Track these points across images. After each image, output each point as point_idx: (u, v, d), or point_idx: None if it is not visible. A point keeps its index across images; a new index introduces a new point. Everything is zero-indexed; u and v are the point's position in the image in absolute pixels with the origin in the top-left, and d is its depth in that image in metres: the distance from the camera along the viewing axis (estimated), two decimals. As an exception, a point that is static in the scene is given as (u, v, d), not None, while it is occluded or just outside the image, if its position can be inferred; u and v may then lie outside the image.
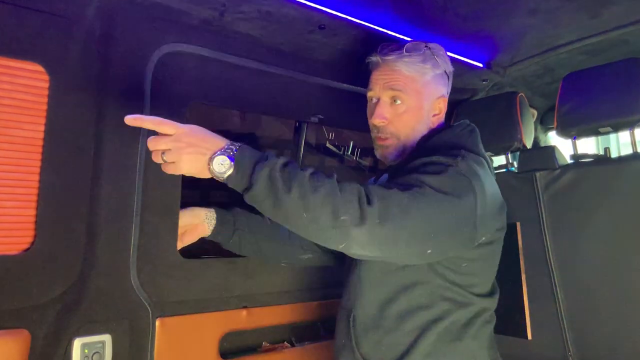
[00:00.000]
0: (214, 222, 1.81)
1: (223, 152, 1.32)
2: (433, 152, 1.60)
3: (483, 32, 2.07)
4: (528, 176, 2.21)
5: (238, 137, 3.22)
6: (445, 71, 1.80)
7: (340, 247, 1.36)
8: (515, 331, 2.10)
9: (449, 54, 2.11)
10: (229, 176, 1.33)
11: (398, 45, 1.75)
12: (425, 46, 1.75)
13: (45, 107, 1.51)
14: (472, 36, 2.09)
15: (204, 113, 3.04)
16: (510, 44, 2.19)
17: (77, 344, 1.56)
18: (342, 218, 1.30)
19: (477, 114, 2.38)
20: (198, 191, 3.05)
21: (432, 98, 1.76)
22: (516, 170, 2.29)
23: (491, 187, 1.61)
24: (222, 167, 1.32)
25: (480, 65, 2.31)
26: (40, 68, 1.49)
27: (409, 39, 1.99)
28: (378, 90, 1.74)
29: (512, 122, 2.24)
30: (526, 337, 2.07)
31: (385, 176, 1.86)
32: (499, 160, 2.42)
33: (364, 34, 1.93)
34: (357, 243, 1.33)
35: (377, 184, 1.43)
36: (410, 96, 1.71)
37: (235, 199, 3.18)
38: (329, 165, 3.55)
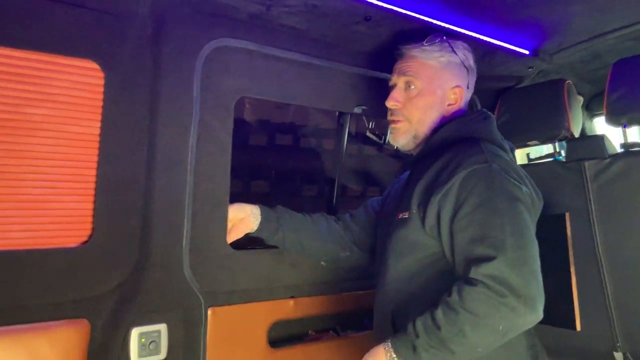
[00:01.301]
0: (259, 218, 1.86)
1: None
2: (448, 145, 1.66)
3: (530, 19, 2.03)
4: (576, 165, 2.17)
5: (280, 127, 3.26)
6: (463, 63, 1.82)
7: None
8: (562, 322, 2.07)
9: (494, 41, 2.08)
10: None
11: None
12: (444, 38, 1.81)
13: (100, 103, 1.55)
14: (518, 23, 2.05)
15: (248, 104, 3.08)
16: (558, 31, 2.14)
17: (135, 333, 1.61)
18: (500, 328, 1.43)
19: (522, 102, 2.34)
20: (240, 181, 3.11)
21: (446, 86, 1.80)
22: (564, 160, 2.25)
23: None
24: None
25: (527, 52, 2.27)
26: (95, 65, 1.53)
27: (454, 27, 1.97)
28: (395, 77, 1.83)
29: (559, 110, 2.20)
30: (574, 328, 2.05)
31: (406, 174, 1.87)
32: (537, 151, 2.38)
33: (408, 24, 1.91)
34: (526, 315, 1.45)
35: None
36: (422, 81, 1.77)
37: (274, 189, 3.22)
38: (367, 154, 3.56)
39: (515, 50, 2.24)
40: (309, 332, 2.15)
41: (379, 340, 1.72)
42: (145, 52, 1.60)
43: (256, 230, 1.85)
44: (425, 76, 1.77)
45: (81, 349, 1.55)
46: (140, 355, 1.61)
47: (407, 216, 1.65)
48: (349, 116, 2.24)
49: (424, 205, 1.60)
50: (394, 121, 1.81)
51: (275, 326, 1.98)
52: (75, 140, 1.53)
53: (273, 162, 3.26)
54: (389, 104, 1.80)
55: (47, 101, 1.47)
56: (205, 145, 1.74)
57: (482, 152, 1.61)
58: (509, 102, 2.35)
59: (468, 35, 2.02)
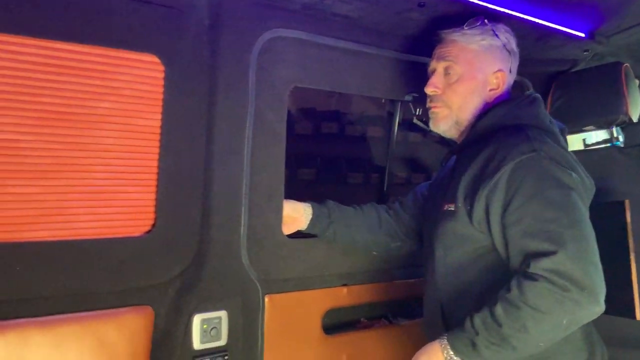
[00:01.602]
0: (310, 215, 1.88)
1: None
2: (493, 132, 1.63)
3: (587, 1, 1.97)
4: (635, 151, 2.12)
5: (325, 114, 3.27)
6: (505, 46, 1.78)
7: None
8: (621, 311, 2.04)
9: (548, 24, 2.02)
10: None
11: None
12: (485, 21, 1.76)
13: (161, 96, 1.58)
14: (574, 5, 2.00)
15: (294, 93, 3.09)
16: (616, 12, 2.07)
17: (197, 319, 1.66)
18: (564, 322, 1.42)
19: (577, 86, 2.28)
20: (286, 168, 3.13)
21: (488, 71, 1.76)
22: (622, 145, 2.19)
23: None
24: None
25: (582, 35, 2.20)
26: (156, 59, 1.56)
27: (509, 11, 1.93)
28: (434, 63, 1.80)
29: (617, 95, 2.13)
30: (634, 317, 2.01)
31: (452, 161, 1.83)
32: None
33: (462, 9, 1.88)
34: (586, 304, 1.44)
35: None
36: (461, 66, 1.74)
37: (320, 176, 3.23)
38: (413, 140, 3.53)
39: (570, 33, 2.18)
40: (361, 319, 2.17)
41: (429, 330, 1.73)
42: (203, 45, 1.62)
43: (307, 227, 1.89)
44: (465, 61, 1.74)
45: (146, 335, 1.60)
46: (202, 341, 1.66)
47: (453, 209, 1.63)
48: (400, 104, 2.23)
49: (470, 199, 1.58)
50: (433, 107, 1.79)
51: (328, 313, 2.01)
52: (138, 132, 1.57)
53: (319, 150, 3.28)
54: (428, 90, 1.78)
55: (112, 95, 1.51)
56: (260, 136, 1.76)
57: (528, 140, 1.57)
58: (564, 86, 2.30)
59: (522, 18, 1.98)
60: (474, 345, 1.46)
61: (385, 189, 2.30)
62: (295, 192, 1.94)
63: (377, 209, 2.01)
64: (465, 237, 1.62)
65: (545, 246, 1.44)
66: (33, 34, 1.35)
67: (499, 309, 1.44)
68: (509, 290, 1.45)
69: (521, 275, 1.46)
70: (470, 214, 1.58)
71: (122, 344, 1.55)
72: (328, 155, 3.31)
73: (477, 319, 1.47)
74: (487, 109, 1.74)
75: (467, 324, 1.48)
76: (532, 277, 1.43)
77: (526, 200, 1.50)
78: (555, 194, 1.49)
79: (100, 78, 1.48)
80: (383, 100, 2.54)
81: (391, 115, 2.33)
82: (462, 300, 1.64)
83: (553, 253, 1.42)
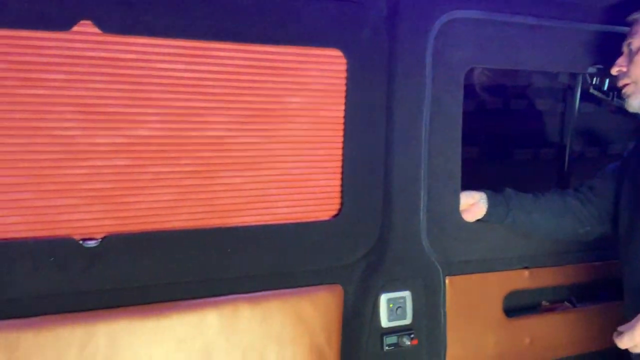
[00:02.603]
0: (486, 204, 1.86)
1: None
2: None
3: None
4: None
5: (488, 89, 3.17)
6: None
7: None
8: None
9: None
10: None
11: None
12: None
13: (344, 88, 1.67)
14: None
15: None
16: None
17: (384, 299, 1.75)
18: None
19: None
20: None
21: None
22: None
23: None
24: None
25: None
26: (339, 53, 1.64)
27: None
28: (625, 45, 1.78)
29: None
30: None
31: None
32: None
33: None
34: None
35: None
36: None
37: (484, 154, 3.14)
38: (584, 111, 3.30)
39: None
40: (542, 302, 2.11)
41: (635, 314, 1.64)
42: (382, 34, 1.67)
43: (484, 216, 1.87)
44: None
45: (337, 312, 1.73)
46: (389, 320, 1.75)
47: None
48: (582, 77, 2.10)
49: None
50: (621, 86, 1.76)
51: (508, 296, 1.99)
52: (325, 123, 1.67)
53: (482, 127, 3.20)
54: (613, 71, 1.79)
55: (302, 90, 1.62)
56: (437, 120, 1.78)
57: None
58: None
59: None
60: None
61: (565, 167, 2.19)
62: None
63: (560, 195, 1.94)
64: None
65: None
66: (236, 39, 1.50)
67: None
68: None
69: None
70: None
71: (317, 319, 1.69)
72: (492, 132, 3.22)
73: None
74: None
75: None
76: None
77: None
78: None
79: (292, 75, 1.60)
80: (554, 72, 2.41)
81: (566, 87, 2.21)
82: None
83: None
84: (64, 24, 1.31)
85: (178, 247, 1.51)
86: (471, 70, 2.81)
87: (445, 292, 1.83)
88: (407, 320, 1.78)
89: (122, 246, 1.43)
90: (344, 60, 1.65)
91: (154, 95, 1.44)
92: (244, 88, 1.55)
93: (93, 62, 1.36)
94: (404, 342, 1.76)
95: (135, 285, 1.49)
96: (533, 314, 2.04)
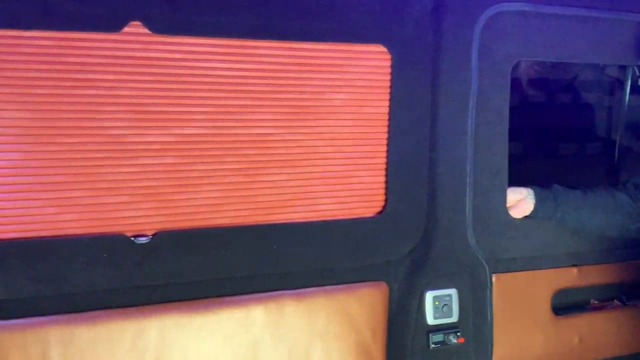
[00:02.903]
0: (533, 199, 1.82)
1: None
2: None
3: None
4: None
5: (531, 82, 3.10)
6: None
7: None
8: None
9: None
10: None
11: None
12: None
13: (388, 84, 1.65)
14: None
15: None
16: None
17: (429, 296, 1.73)
18: None
19: None
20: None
21: None
22: None
23: None
24: None
25: None
26: (383, 49, 1.62)
27: None
28: None
29: None
30: None
31: None
32: None
33: None
34: None
35: None
36: None
37: (528, 149, 3.07)
38: (634, 105, 3.19)
39: None
40: (591, 300, 2.06)
41: None
42: (426, 29, 1.65)
43: (531, 212, 1.83)
44: None
45: (383, 308, 1.73)
46: (435, 317, 1.74)
47: None
48: (632, 69, 2.04)
49: None
50: None
51: (557, 294, 1.95)
52: (368, 120, 1.66)
53: (526, 121, 3.13)
54: None
55: (345, 87, 1.61)
56: (483, 115, 1.75)
57: None
58: None
59: None
60: None
61: (615, 161, 2.13)
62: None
63: (609, 189, 1.89)
64: None
65: None
66: (280, 37, 1.50)
67: None
68: None
69: None
70: None
71: (362, 315, 1.69)
72: (536, 126, 3.16)
73: None
74: None
75: None
76: None
77: None
78: None
79: (335, 72, 1.60)
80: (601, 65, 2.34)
81: (614, 80, 2.14)
82: None
83: None
84: (115, 25, 1.34)
85: (225, 243, 1.53)
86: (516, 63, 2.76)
87: (492, 290, 1.81)
88: (454, 318, 1.76)
89: (172, 242, 1.46)
90: (388, 56, 1.63)
91: (200, 94, 1.46)
92: (288, 85, 1.55)
93: (142, 62, 1.39)
94: (451, 340, 1.74)
95: (183, 281, 1.51)
96: (582, 313, 1.99)
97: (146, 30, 1.36)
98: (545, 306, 1.89)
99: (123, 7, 1.34)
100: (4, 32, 1.27)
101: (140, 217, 1.44)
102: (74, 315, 1.43)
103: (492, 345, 1.83)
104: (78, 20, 1.31)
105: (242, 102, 1.51)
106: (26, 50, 1.29)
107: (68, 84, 1.34)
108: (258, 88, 1.52)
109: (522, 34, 1.75)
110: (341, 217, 1.66)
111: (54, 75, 1.33)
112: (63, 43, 1.32)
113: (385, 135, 1.68)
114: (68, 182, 1.37)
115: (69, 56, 1.33)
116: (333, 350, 1.66)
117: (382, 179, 1.70)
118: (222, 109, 1.49)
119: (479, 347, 1.81)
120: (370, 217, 1.70)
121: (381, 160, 1.69)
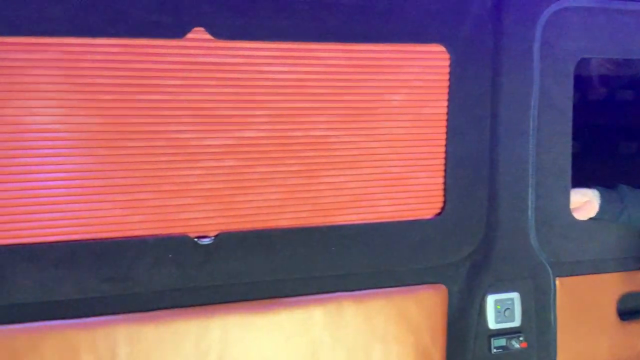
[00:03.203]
0: (598, 200, 1.77)
1: None
2: None
3: None
4: None
5: (587, 80, 3.01)
6: None
7: None
8: None
9: None
10: None
11: None
12: None
13: (446, 84, 1.63)
14: None
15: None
16: None
17: (491, 300, 1.70)
18: None
19: None
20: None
21: None
22: None
23: None
24: None
25: None
26: (442, 48, 1.60)
27: None
28: None
29: None
30: None
31: None
32: None
33: None
34: None
35: None
36: None
37: (586, 149, 2.99)
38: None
39: None
40: (658, 305, 1.98)
41: None
42: (486, 27, 1.62)
43: (597, 213, 1.77)
44: None
45: (442, 311, 1.70)
46: (497, 321, 1.70)
47: None
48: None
49: None
50: None
51: (623, 298, 1.88)
52: (426, 120, 1.64)
53: (583, 120, 3.04)
54: None
55: (403, 87, 1.60)
56: (545, 114, 1.70)
57: None
58: None
59: None
60: None
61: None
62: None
63: None
64: None
65: None
66: (338, 39, 1.51)
67: None
68: None
69: None
70: None
71: (421, 318, 1.67)
72: (594, 125, 3.06)
73: None
74: None
75: None
76: None
77: None
78: None
79: (394, 73, 1.59)
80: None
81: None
82: None
83: None
84: (179, 31, 1.37)
85: (285, 245, 1.54)
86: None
87: (555, 294, 1.76)
88: (516, 323, 1.72)
89: (234, 244, 1.48)
90: (447, 56, 1.61)
91: (260, 98, 1.48)
92: (346, 87, 1.55)
93: (205, 67, 1.42)
94: (513, 345, 1.70)
95: (245, 282, 1.53)
96: (651, 318, 1.91)
97: (209, 36, 1.39)
98: (610, 311, 1.83)
99: (187, 14, 1.37)
100: (74, 39, 1.32)
101: (203, 219, 1.47)
102: (140, 315, 1.47)
103: (555, 350, 1.78)
104: (144, 27, 1.35)
105: (301, 105, 1.52)
106: (95, 57, 1.34)
107: (134, 89, 1.38)
108: (317, 90, 1.53)
109: (587, 30, 1.70)
110: (400, 219, 1.65)
111: (121, 81, 1.37)
112: (130, 50, 1.36)
113: (444, 136, 1.66)
114: (136, 185, 1.41)
115: (135, 62, 1.37)
116: (393, 353, 1.65)
117: (441, 180, 1.67)
118: (282, 112, 1.51)
119: (542, 352, 1.76)
120: (429, 219, 1.68)
121: (440, 162, 1.67)
